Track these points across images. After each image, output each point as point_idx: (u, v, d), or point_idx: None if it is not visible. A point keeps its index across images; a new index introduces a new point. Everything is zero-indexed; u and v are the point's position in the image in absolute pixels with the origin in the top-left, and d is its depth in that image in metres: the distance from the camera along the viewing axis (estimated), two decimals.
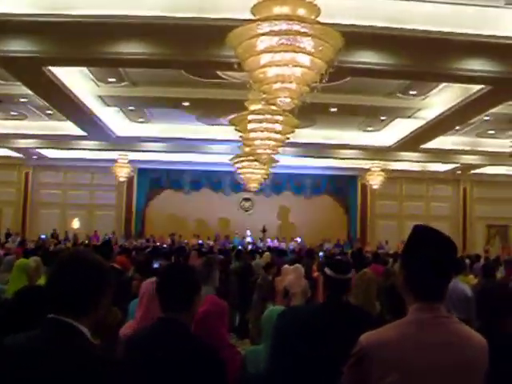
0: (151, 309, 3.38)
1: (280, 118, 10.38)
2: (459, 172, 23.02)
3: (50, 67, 10.68)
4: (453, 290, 4.40)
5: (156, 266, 7.54)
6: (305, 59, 6.47)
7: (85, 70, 11.93)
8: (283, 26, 6.11)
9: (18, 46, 9.17)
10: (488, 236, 24.65)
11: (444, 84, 12.13)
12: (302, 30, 6.17)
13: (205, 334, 3.18)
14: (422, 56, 9.42)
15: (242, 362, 3.86)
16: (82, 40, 9.04)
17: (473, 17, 8.53)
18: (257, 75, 6.86)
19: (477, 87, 11.23)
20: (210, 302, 3.97)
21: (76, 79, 12.24)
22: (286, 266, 7.33)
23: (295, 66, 6.52)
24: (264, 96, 7.62)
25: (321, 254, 16.00)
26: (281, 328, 3.26)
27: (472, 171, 22.67)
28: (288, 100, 7.05)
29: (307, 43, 6.29)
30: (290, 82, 6.75)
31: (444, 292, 1.98)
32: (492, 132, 16.46)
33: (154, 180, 24.18)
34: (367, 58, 9.48)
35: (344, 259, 4.94)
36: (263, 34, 6.21)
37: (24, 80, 11.50)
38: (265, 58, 6.56)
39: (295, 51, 6.32)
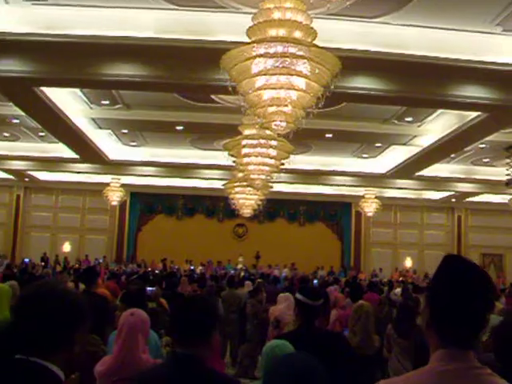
0: (129, 343, 3.14)
1: (274, 143, 10.23)
2: (454, 200, 22.92)
3: (42, 88, 10.52)
4: None
5: (149, 293, 7.28)
6: (300, 82, 6.33)
7: (78, 92, 11.79)
8: (279, 48, 5.99)
9: (8, 66, 9.03)
10: (483, 265, 24.44)
11: (440, 111, 12.05)
12: (298, 52, 6.05)
13: None
14: (419, 82, 9.34)
15: None
16: (74, 61, 8.91)
17: (470, 43, 8.47)
18: (251, 98, 6.70)
19: (473, 114, 11.15)
20: None
21: (69, 101, 12.09)
22: (282, 294, 7.13)
23: (290, 88, 6.38)
24: (259, 120, 7.46)
25: (315, 281, 15.80)
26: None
27: (467, 199, 22.55)
28: (283, 124, 6.88)
29: (303, 66, 6.17)
30: (286, 106, 6.59)
31: (476, 337, 1.64)
32: (487, 160, 16.38)
33: (146, 204, 24.05)
34: (363, 83, 9.38)
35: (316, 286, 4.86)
36: (258, 56, 6.08)
37: (15, 100, 11.33)
38: (260, 81, 6.42)
39: (290, 74, 6.19)
